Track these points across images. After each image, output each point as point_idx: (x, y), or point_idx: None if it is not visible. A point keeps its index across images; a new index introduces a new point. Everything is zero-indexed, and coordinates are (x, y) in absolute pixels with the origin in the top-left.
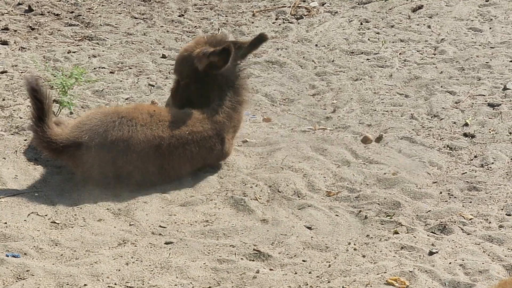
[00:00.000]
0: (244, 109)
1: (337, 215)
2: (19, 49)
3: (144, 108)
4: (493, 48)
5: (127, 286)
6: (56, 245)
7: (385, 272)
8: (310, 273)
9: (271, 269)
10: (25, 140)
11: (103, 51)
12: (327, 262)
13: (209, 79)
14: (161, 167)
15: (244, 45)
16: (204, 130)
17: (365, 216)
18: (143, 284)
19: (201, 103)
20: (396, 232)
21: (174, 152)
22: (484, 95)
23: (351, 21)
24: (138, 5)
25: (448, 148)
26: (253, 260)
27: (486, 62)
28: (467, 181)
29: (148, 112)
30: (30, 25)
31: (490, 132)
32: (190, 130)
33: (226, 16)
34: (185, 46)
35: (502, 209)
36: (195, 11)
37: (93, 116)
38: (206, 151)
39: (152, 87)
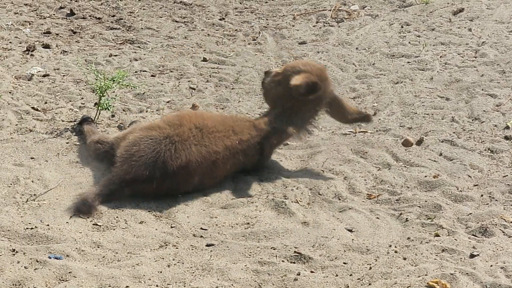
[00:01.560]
0: (287, 140)
1: (378, 218)
2: (61, 53)
3: (190, 121)
4: None
5: None
6: (98, 247)
7: (426, 275)
8: (351, 275)
9: (312, 272)
10: (67, 142)
11: (144, 54)
12: (368, 264)
13: (297, 102)
14: (215, 178)
15: (344, 111)
16: (251, 137)
17: (406, 218)
18: (184, 286)
19: (278, 109)
20: (437, 235)
21: (227, 162)
22: None
23: (392, 24)
24: (179, 9)
25: (489, 151)
26: (294, 263)
27: None
28: (508, 184)
29: (196, 126)
30: (72, 28)
31: None
32: (239, 139)
33: (267, 19)
34: (294, 64)
35: None
36: (235, 15)
37: (144, 145)
38: (251, 158)
39: (193, 90)
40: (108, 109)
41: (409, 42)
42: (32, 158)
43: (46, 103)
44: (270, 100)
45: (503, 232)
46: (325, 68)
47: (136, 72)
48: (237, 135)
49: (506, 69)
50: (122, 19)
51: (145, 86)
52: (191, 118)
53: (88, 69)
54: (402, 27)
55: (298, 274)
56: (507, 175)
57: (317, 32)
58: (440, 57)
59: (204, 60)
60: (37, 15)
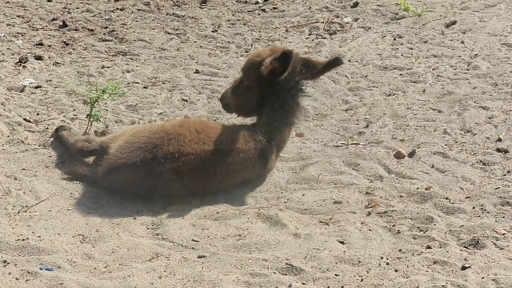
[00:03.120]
0: (291, 130)
1: (369, 230)
2: (53, 64)
3: (191, 125)
4: None
5: None
6: (90, 259)
7: (417, 287)
8: (342, 287)
9: (303, 283)
10: (59, 154)
11: (136, 66)
12: (359, 276)
13: (270, 90)
14: (206, 181)
15: (317, 65)
16: (248, 149)
17: (398, 230)
18: None
19: (254, 108)
20: (428, 247)
21: (218, 171)
22: None
23: (384, 36)
24: (172, 21)
25: (481, 163)
26: (285, 274)
27: None
28: (500, 196)
29: (196, 129)
30: (65, 40)
31: None
32: (237, 148)
33: (260, 31)
34: (260, 51)
35: None
36: (228, 27)
37: (140, 135)
38: (249, 169)
39: (186, 102)
40: (100, 121)
41: (402, 55)
42: (23, 169)
43: (38, 114)
44: (249, 108)
45: (494, 244)
46: (274, 45)
47: (128, 83)
48: (234, 144)
49: (498, 81)
50: (114, 30)
51: (137, 97)
52: (194, 123)
53: (79, 80)
54: (394, 39)
55: (290, 286)
56: (499, 187)
57: (309, 44)
58: (433, 69)
59: (197, 72)
60: (29, 27)
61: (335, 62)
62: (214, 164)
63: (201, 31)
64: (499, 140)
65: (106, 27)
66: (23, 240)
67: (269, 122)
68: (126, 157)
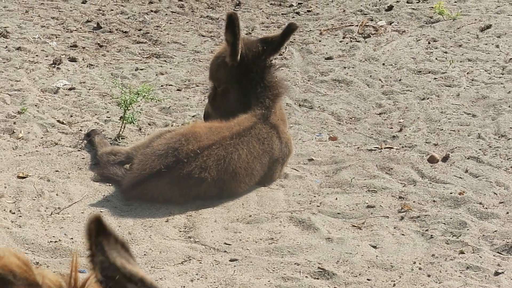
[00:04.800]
0: (281, 100)
1: (402, 234)
2: (87, 66)
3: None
4: None
5: None
6: None
7: None
8: None
9: None
10: (92, 156)
11: (170, 68)
12: (392, 281)
13: (246, 81)
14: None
15: (275, 38)
16: (259, 127)
17: (431, 235)
18: None
19: (240, 107)
20: (461, 252)
21: (241, 153)
22: None
23: (419, 40)
24: (206, 23)
25: None
26: (317, 278)
27: None
28: None
29: (207, 126)
30: (99, 42)
31: None
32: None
33: (294, 34)
34: (215, 53)
35: None
36: (262, 29)
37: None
38: (266, 143)
39: None
40: (133, 123)
41: (436, 58)
42: (56, 171)
43: (71, 116)
44: (236, 109)
45: None
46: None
47: (162, 86)
48: (245, 125)
49: None
50: (148, 33)
51: (171, 100)
52: (203, 123)
53: (113, 82)
54: (429, 43)
55: None
56: None
57: (343, 47)
58: (467, 73)
59: None
60: (64, 29)
61: (289, 28)
62: (236, 147)
63: None
64: None
65: (140, 29)
66: (56, 242)
67: (262, 103)
68: (149, 167)
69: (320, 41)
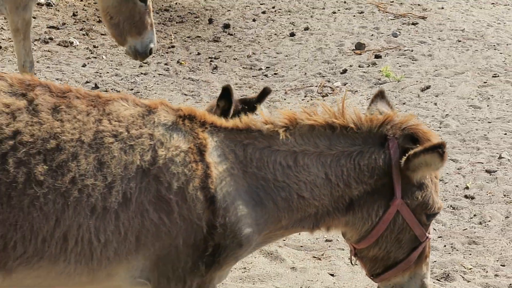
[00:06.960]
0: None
1: (356, 264)
2: None
3: None
4: (490, 122)
5: None
6: None
7: None
8: None
9: None
10: None
11: None
12: None
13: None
14: None
15: (252, 100)
16: None
17: None
18: None
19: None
20: None
21: None
22: (482, 163)
23: (369, 98)
24: (188, 84)
25: (451, 208)
26: None
27: (484, 135)
28: (467, 236)
29: None
30: None
31: (487, 194)
32: None
33: (267, 96)
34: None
35: (497, 260)
36: (235, 90)
37: None
38: None
39: None
40: None
41: None
42: None
43: None
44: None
45: (462, 277)
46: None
47: None
48: None
49: (466, 138)
50: (138, 92)
51: None
52: None
53: None
54: None
55: None
56: (466, 229)
57: (305, 104)
58: None
59: None
60: None
61: (264, 92)
62: None
63: (213, 92)
64: (467, 188)
65: (131, 89)
66: None
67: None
68: None
69: (285, 99)
